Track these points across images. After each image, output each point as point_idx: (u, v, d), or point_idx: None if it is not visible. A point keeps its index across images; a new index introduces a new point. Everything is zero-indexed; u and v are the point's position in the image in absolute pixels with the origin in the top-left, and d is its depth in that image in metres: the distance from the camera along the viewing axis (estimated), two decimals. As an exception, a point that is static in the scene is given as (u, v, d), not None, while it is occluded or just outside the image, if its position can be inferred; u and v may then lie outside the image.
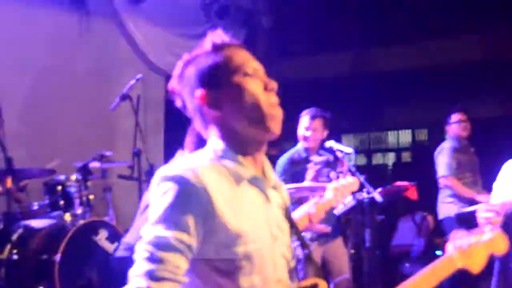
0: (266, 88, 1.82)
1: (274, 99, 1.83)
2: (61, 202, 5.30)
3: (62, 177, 5.36)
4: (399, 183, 5.84)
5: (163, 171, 1.73)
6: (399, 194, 5.88)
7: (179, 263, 1.64)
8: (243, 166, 1.81)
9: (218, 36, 1.90)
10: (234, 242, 1.72)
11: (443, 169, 6.95)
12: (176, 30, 7.86)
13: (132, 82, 5.81)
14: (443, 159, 6.98)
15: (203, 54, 1.87)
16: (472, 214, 6.55)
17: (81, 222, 5.06)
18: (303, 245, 2.05)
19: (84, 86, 6.81)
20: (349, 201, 5.37)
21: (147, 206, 3.30)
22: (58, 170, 5.46)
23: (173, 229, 1.64)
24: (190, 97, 1.86)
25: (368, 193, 5.37)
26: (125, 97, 5.76)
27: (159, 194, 1.70)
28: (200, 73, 1.84)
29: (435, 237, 8.27)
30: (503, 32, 10.49)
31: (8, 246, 4.82)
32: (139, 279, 1.61)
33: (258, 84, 1.82)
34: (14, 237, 4.90)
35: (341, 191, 4.00)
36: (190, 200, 1.68)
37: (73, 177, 5.38)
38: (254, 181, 1.83)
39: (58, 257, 4.79)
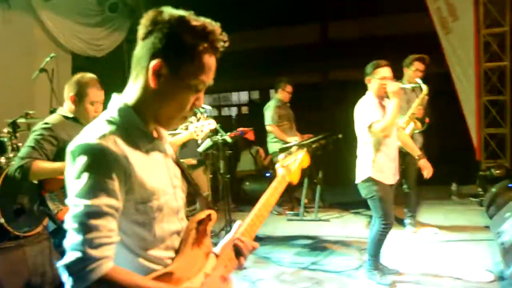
0: (193, 104, 1.56)
1: (189, 115, 1.61)
2: (-4, 149, 5.09)
3: (-3, 130, 5.17)
4: (241, 128, 6.10)
5: (81, 141, 1.43)
6: (241, 136, 6.14)
7: (112, 226, 1.39)
8: (145, 134, 1.56)
9: (219, 40, 1.53)
10: (149, 198, 1.51)
11: (269, 119, 7.23)
12: (79, 20, 7.59)
13: (47, 59, 5.69)
14: (269, 113, 7.25)
15: (193, 34, 1.48)
16: (288, 147, 6.97)
17: (13, 162, 4.91)
18: (190, 183, 1.78)
19: (9, 63, 6.53)
20: (208, 141, 5.60)
21: None
22: (-7, 125, 5.26)
23: (103, 196, 1.37)
24: (146, 56, 1.50)
25: (221, 136, 5.60)
26: (42, 70, 5.65)
27: (82, 165, 1.39)
28: (169, 47, 1.47)
29: (265, 164, 8.58)
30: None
31: (-43, 182, 4.60)
32: (78, 251, 1.33)
33: (192, 99, 1.55)
34: (-38, 174, 4.67)
35: (200, 128, 4.02)
36: (112, 167, 1.40)
37: (5, 129, 5.20)
38: (154, 144, 1.60)
39: (-4, 189, 4.64)
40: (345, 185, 8.41)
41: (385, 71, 4.36)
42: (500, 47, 7.54)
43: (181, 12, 1.50)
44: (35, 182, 3.26)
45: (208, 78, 1.55)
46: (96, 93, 3.30)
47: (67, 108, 3.41)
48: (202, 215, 1.69)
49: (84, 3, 7.71)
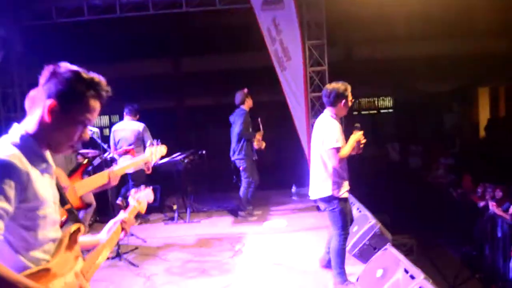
0: (80, 136, 1.74)
1: (75, 145, 1.78)
2: None
3: None
4: (124, 148, 6.18)
5: None
6: (126, 153, 6.20)
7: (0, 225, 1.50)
8: (40, 158, 1.69)
9: (103, 89, 1.73)
10: (38, 207, 1.64)
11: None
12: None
13: None
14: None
15: (83, 83, 1.67)
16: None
17: None
18: (64, 203, 1.89)
19: None
20: (98, 160, 5.64)
21: None
22: None
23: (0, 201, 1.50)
24: (45, 96, 1.65)
25: (110, 154, 5.67)
26: None
27: None
28: (63, 92, 1.65)
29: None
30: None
31: None
32: None
33: (79, 132, 1.73)
34: None
35: (155, 153, 3.80)
36: (13, 179, 1.53)
37: None
38: (46, 167, 1.72)
39: None
40: (210, 193, 8.92)
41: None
42: (321, 81, 8.65)
43: (75, 67, 1.69)
44: None
45: (93, 117, 1.73)
46: None
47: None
48: (74, 227, 1.83)
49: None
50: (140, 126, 6.90)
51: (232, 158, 7.32)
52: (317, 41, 8.53)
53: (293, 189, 8.44)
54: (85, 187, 2.95)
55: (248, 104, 7.30)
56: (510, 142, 10.19)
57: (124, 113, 7.08)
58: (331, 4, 8.42)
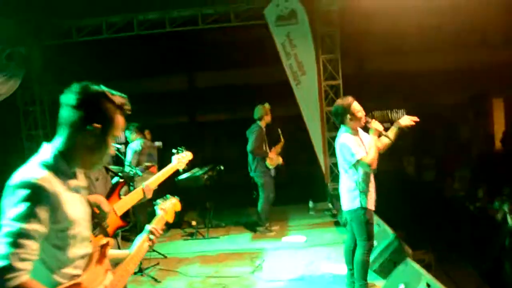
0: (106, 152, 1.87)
1: (102, 163, 1.90)
2: None
3: None
4: (146, 164, 6.33)
5: (24, 178, 1.66)
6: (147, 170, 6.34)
7: (35, 247, 1.60)
8: (71, 178, 1.80)
9: (127, 107, 1.88)
10: (68, 228, 1.72)
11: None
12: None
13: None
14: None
15: (111, 104, 1.81)
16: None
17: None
18: (96, 218, 2.11)
19: None
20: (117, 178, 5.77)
21: None
22: None
23: (33, 223, 1.60)
24: (81, 121, 1.76)
25: (133, 170, 5.74)
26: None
27: (22, 196, 1.62)
28: (98, 115, 1.78)
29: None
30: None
31: None
32: (5, 260, 1.54)
33: (108, 150, 1.86)
34: None
35: (181, 159, 3.76)
36: (45, 202, 1.63)
37: None
38: (76, 185, 1.82)
39: None
40: (228, 208, 9.04)
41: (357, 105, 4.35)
42: (335, 95, 8.77)
43: (101, 88, 1.82)
44: None
45: (119, 133, 1.88)
46: None
47: None
48: (104, 241, 1.94)
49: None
50: (159, 144, 7.13)
51: (251, 174, 7.47)
52: (331, 55, 8.68)
53: (310, 204, 8.52)
54: (124, 207, 3.09)
55: (266, 120, 7.36)
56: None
57: (136, 132, 7.16)
58: (343, 17, 8.58)
